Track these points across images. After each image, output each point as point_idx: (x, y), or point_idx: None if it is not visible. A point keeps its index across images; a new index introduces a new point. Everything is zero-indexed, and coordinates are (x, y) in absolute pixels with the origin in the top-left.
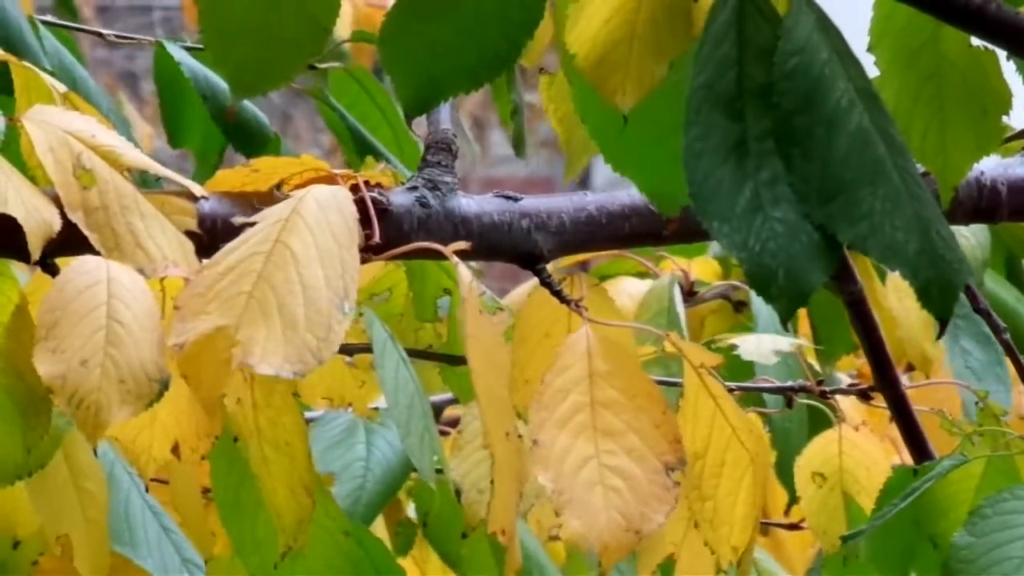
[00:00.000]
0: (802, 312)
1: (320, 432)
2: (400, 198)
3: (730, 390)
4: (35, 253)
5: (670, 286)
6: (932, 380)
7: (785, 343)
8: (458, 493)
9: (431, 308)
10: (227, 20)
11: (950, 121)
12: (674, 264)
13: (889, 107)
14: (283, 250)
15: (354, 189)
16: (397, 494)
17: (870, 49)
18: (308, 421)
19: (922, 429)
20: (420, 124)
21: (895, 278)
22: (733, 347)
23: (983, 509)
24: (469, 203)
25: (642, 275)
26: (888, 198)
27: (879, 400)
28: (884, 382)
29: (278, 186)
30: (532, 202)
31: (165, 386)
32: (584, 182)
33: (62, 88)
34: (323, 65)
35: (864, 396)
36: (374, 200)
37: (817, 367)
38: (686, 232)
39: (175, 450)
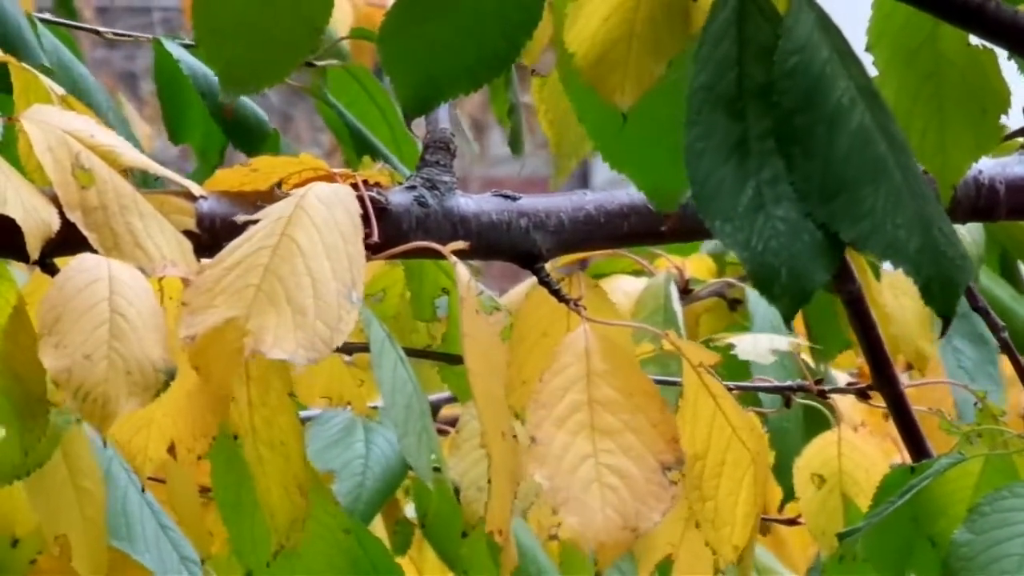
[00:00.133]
0: None
1: (319, 430)
2: (399, 197)
3: (729, 390)
4: (34, 253)
5: (666, 284)
6: (931, 379)
7: (783, 342)
8: (457, 492)
9: (429, 308)
10: (220, 18)
11: (949, 120)
12: (669, 262)
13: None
14: (289, 244)
15: (353, 188)
16: (396, 492)
17: (868, 48)
18: (306, 420)
19: (920, 428)
20: (419, 124)
21: (890, 275)
22: (730, 346)
23: (982, 507)
24: (468, 202)
25: (638, 273)
26: (890, 196)
27: (878, 399)
28: (882, 381)
29: (277, 185)
30: (531, 201)
31: (171, 377)
32: (584, 182)
33: (60, 90)
34: (321, 63)
35: (862, 395)
36: (373, 199)
37: (822, 369)
38: (685, 231)
39: (171, 450)
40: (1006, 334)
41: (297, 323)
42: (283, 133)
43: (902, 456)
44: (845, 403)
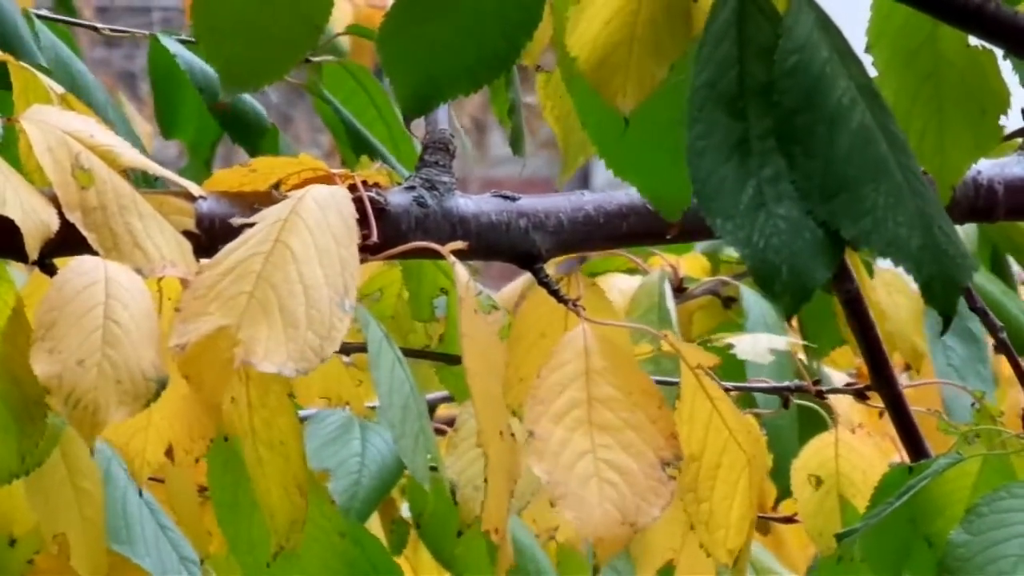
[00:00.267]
0: None
1: (315, 429)
2: (398, 198)
3: (727, 390)
4: (33, 253)
5: (660, 282)
6: (929, 380)
7: (781, 342)
8: (453, 492)
9: (428, 308)
10: (219, 16)
11: (948, 121)
12: (663, 260)
13: None
14: (283, 250)
15: (352, 189)
16: (392, 491)
17: (868, 49)
18: (303, 419)
19: (918, 428)
20: (418, 125)
21: (883, 272)
22: (729, 346)
23: (980, 507)
24: (467, 203)
25: (632, 271)
26: (891, 194)
27: (876, 400)
28: (880, 381)
29: (276, 186)
30: (530, 202)
31: (163, 386)
32: (584, 182)
33: (60, 89)
34: (317, 59)
35: (860, 395)
36: (372, 200)
37: (815, 367)
38: (685, 231)
39: (169, 453)
40: (1004, 335)
41: (288, 334)
42: (283, 133)
43: (901, 456)
44: (843, 404)
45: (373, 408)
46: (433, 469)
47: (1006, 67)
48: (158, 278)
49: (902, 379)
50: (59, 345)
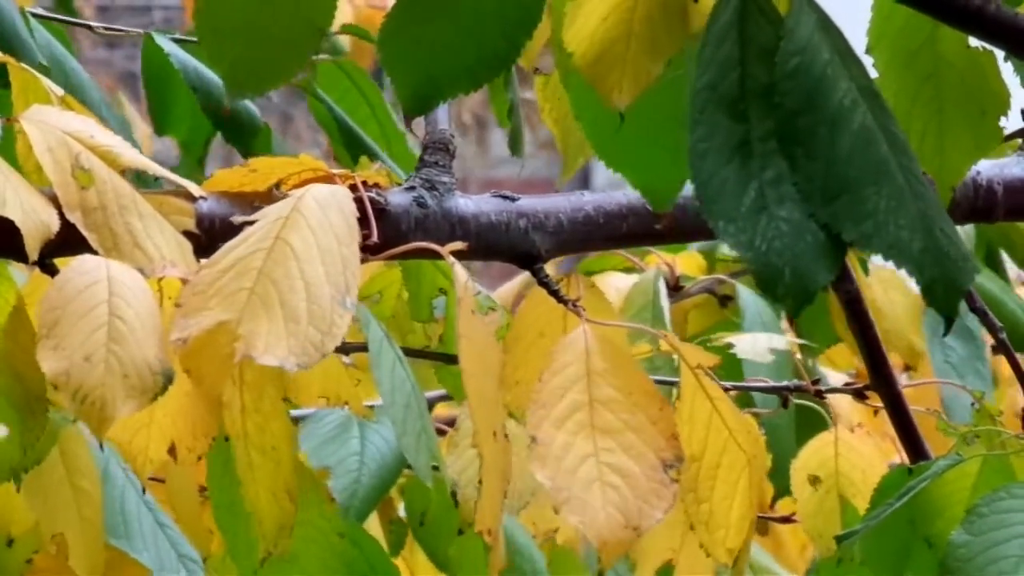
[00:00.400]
0: None
1: (314, 428)
2: (398, 198)
3: (725, 390)
4: (33, 254)
5: (655, 280)
6: (929, 379)
7: (780, 341)
8: (454, 492)
9: (427, 308)
10: (222, 19)
11: (948, 122)
12: (660, 259)
13: None
14: (283, 247)
15: (352, 189)
16: (391, 490)
17: (868, 50)
18: (302, 418)
19: (918, 428)
20: (418, 124)
21: (879, 271)
22: (729, 346)
23: (980, 508)
24: (467, 203)
25: (628, 270)
26: (892, 197)
27: (875, 399)
28: (879, 381)
29: (276, 186)
30: (529, 202)
31: (169, 380)
32: (584, 183)
33: (59, 90)
34: (312, 58)
35: (859, 395)
36: (372, 200)
37: (810, 365)
38: (683, 231)
39: (171, 451)
40: (1004, 335)
41: (289, 329)
42: (283, 133)
43: (900, 456)
44: (842, 403)
45: (372, 407)
46: (434, 468)
47: (1005, 68)
48: (159, 278)
49: (901, 379)
50: (64, 342)
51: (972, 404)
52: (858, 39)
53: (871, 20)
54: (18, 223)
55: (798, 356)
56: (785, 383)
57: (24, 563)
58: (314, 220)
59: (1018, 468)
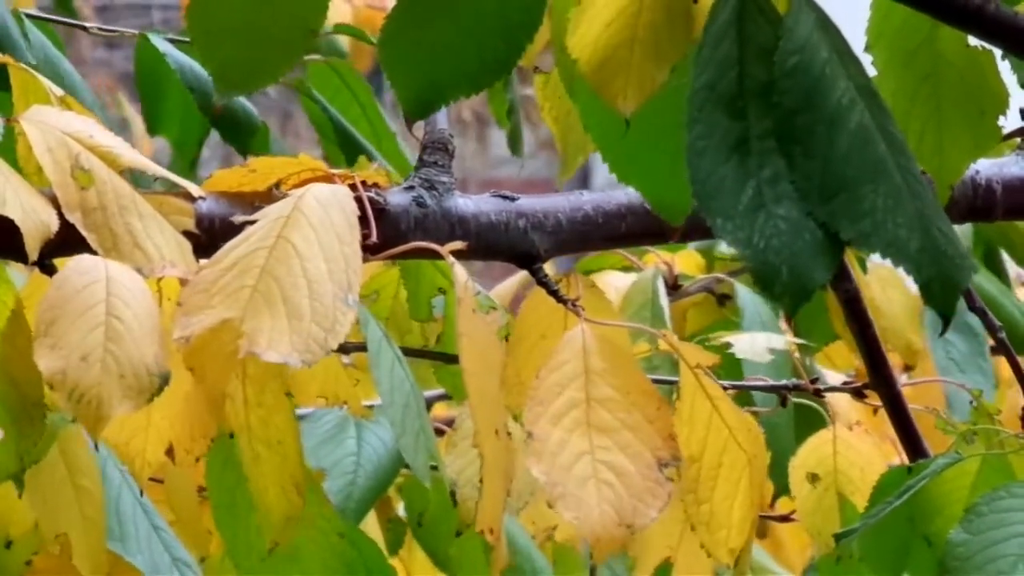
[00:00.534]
0: None
1: (310, 428)
2: (397, 198)
3: (724, 389)
4: (32, 254)
5: (653, 279)
6: (927, 379)
7: (779, 340)
8: (453, 492)
9: (426, 308)
10: (214, 18)
11: (947, 121)
12: (658, 258)
13: None
14: (285, 245)
15: (351, 188)
16: (388, 490)
17: (867, 49)
18: (299, 418)
19: (917, 427)
20: (416, 123)
21: (878, 268)
22: (727, 345)
23: (979, 507)
24: (466, 203)
25: (627, 269)
26: (890, 195)
27: (874, 398)
28: (879, 380)
29: (276, 186)
30: (529, 202)
31: (165, 381)
32: (584, 183)
33: (59, 91)
34: (305, 57)
35: (858, 394)
36: (371, 200)
37: (807, 363)
38: (683, 231)
39: (169, 453)
40: (1003, 335)
41: (292, 326)
42: (283, 131)
43: (899, 453)
44: (841, 402)
45: (370, 407)
46: (433, 468)
47: (1004, 67)
48: (158, 278)
49: (901, 379)
50: (61, 341)
51: (970, 401)
52: (857, 38)
53: (870, 18)
54: (18, 223)
55: (797, 355)
56: (784, 382)
57: (23, 564)
58: (316, 219)
59: (1017, 467)
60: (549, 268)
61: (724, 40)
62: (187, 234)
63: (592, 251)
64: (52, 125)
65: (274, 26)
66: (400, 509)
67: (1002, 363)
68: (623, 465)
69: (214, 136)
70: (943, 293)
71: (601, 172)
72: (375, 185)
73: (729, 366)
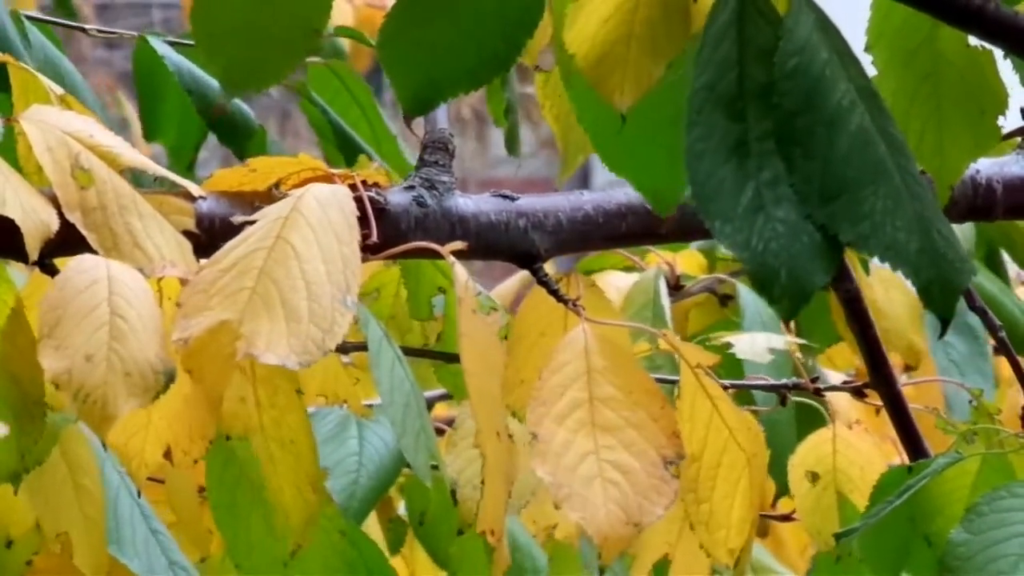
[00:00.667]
0: None
1: (312, 428)
2: (397, 197)
3: (724, 388)
4: (33, 254)
5: (655, 279)
6: (927, 378)
7: (779, 340)
8: (453, 491)
9: (426, 307)
10: (218, 18)
11: (947, 121)
12: (660, 258)
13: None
14: (284, 246)
15: (351, 188)
16: (390, 489)
17: (867, 49)
18: None
19: (917, 427)
20: (416, 123)
21: (880, 269)
22: (728, 345)
23: (980, 506)
24: (466, 202)
25: (629, 269)
26: (889, 198)
27: (874, 397)
28: (879, 379)
29: (276, 185)
30: (529, 201)
31: (171, 378)
32: (584, 182)
33: (59, 90)
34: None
35: (858, 393)
36: (371, 199)
37: (810, 363)
38: (683, 231)
39: (167, 454)
40: (1003, 334)
41: (290, 328)
42: (282, 130)
43: (899, 453)
44: (841, 401)
45: (371, 407)
46: (434, 468)
47: (1004, 66)
48: (158, 278)
49: (902, 379)
50: (65, 342)
51: (970, 402)
52: (857, 39)
53: (870, 18)
54: (18, 222)
55: (797, 355)
56: (784, 381)
57: (24, 564)
58: (314, 219)
59: (1018, 467)
60: (549, 268)
61: (724, 41)
62: (187, 234)
63: (593, 251)
64: (52, 124)
65: (278, 26)
66: (401, 508)
67: (1002, 363)
68: (628, 463)
69: (214, 136)
70: (942, 296)
71: (601, 172)
72: (375, 185)
73: (730, 365)
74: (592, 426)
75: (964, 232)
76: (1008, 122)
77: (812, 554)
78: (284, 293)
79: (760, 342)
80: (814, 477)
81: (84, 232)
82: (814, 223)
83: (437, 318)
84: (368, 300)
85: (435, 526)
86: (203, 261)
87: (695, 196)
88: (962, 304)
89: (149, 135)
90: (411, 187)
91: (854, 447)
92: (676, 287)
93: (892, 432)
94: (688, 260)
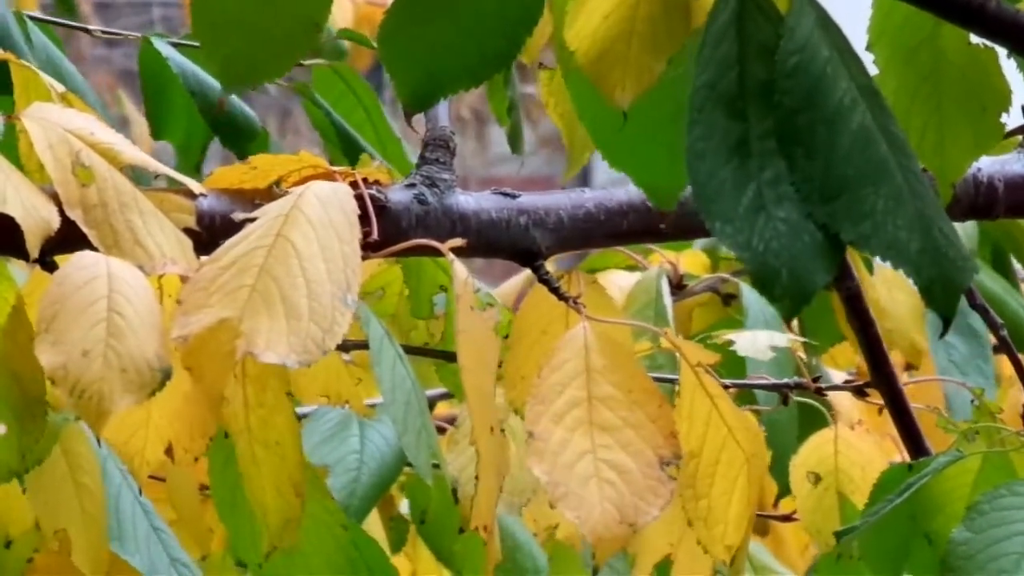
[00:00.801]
0: None
1: (314, 426)
2: (398, 195)
3: (726, 387)
4: (33, 251)
5: (657, 279)
6: (929, 377)
7: (781, 339)
8: (454, 489)
9: (427, 305)
10: (219, 14)
11: (948, 119)
12: (663, 257)
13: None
14: (285, 244)
15: (352, 186)
16: (391, 488)
17: (868, 47)
18: (301, 416)
19: (919, 426)
20: (418, 121)
21: (884, 269)
22: (729, 343)
23: (981, 505)
24: (467, 200)
25: (632, 268)
26: (891, 197)
27: (875, 397)
28: (880, 378)
29: (276, 183)
30: (530, 199)
31: (167, 376)
32: (585, 180)
33: (60, 87)
34: (308, 62)
35: (860, 392)
36: (372, 197)
37: (813, 362)
38: (684, 229)
39: (168, 452)
40: (1005, 332)
41: (290, 326)
42: (282, 128)
43: (900, 452)
44: (843, 401)
45: (372, 406)
46: (435, 466)
47: (1006, 64)
48: (159, 276)
49: (903, 378)
50: (62, 337)
51: (972, 401)
52: (858, 37)
53: (871, 16)
54: (19, 220)
55: (799, 354)
56: (785, 380)
57: (24, 563)
58: (315, 217)
59: (1019, 465)
60: (551, 267)
61: (724, 40)
62: (188, 231)
63: (594, 248)
64: (53, 122)
65: (278, 21)
66: (403, 507)
67: (1004, 361)
68: (625, 463)
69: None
70: (943, 295)
71: (602, 170)
72: (376, 182)
73: (732, 364)
74: (590, 425)
75: (966, 231)
76: (1010, 120)
77: (812, 554)
78: (284, 291)
79: (762, 340)
80: (816, 478)
81: (85, 229)
82: (815, 222)
83: (439, 317)
84: (372, 299)
85: (437, 524)
86: (203, 258)
87: (696, 196)
88: (964, 305)
89: (157, 133)
90: (412, 185)
91: (856, 448)
92: (679, 286)
93: (893, 431)
94: (691, 259)
